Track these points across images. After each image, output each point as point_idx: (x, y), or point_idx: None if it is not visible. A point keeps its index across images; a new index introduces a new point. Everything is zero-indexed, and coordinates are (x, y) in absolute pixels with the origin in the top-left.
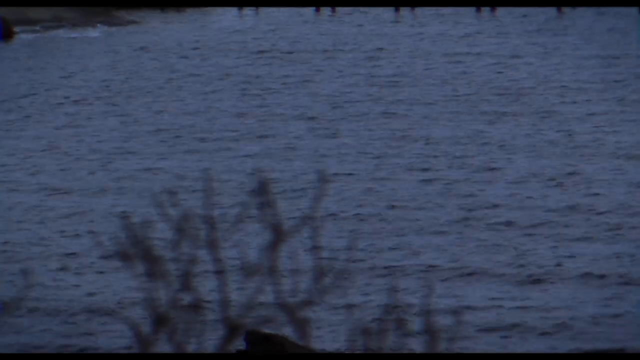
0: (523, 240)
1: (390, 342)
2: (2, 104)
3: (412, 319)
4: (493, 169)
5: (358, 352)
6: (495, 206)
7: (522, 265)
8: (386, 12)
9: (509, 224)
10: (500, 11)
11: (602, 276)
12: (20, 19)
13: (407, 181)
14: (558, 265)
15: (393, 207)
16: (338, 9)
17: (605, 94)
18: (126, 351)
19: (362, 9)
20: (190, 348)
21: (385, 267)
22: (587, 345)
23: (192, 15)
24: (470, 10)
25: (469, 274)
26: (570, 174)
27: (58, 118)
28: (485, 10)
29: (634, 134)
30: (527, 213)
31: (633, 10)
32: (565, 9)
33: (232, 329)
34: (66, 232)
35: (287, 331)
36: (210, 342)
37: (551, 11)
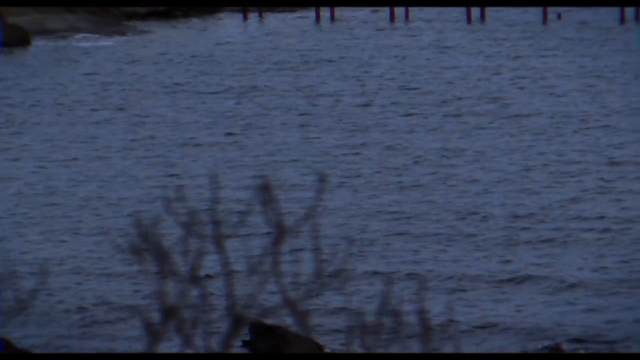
0: (506, 244)
1: (385, 339)
2: (14, 108)
3: (407, 318)
4: (475, 178)
5: (355, 350)
6: (481, 213)
7: (508, 270)
8: (381, 21)
9: (493, 229)
10: (490, 21)
11: (584, 283)
12: (37, 29)
13: (393, 189)
14: (542, 268)
15: (380, 212)
16: (337, 18)
17: (589, 103)
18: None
19: (360, 18)
20: (198, 339)
21: (377, 273)
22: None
23: (199, 24)
24: (461, 19)
25: (458, 279)
26: (556, 182)
27: (68, 121)
28: (475, 20)
29: (621, 144)
30: (510, 217)
31: (615, 21)
32: (551, 18)
33: (237, 321)
34: (78, 230)
35: (289, 322)
36: (217, 333)
37: (537, 20)
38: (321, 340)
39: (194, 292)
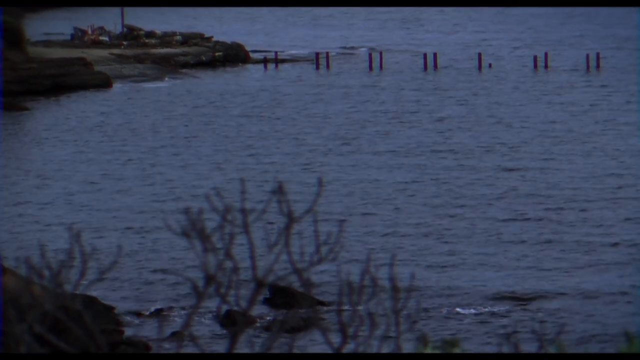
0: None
1: (365, 297)
2: (98, 133)
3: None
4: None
5: (344, 304)
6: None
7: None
8: (364, 75)
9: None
10: (441, 69)
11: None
12: (117, 75)
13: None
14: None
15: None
16: (332, 65)
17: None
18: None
19: (351, 67)
20: (231, 297)
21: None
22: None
23: (232, 71)
24: (421, 69)
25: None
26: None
27: (138, 138)
28: (431, 68)
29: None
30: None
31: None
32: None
33: (259, 284)
34: (145, 219)
35: (297, 285)
36: (244, 293)
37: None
38: (319, 297)
39: (228, 264)
